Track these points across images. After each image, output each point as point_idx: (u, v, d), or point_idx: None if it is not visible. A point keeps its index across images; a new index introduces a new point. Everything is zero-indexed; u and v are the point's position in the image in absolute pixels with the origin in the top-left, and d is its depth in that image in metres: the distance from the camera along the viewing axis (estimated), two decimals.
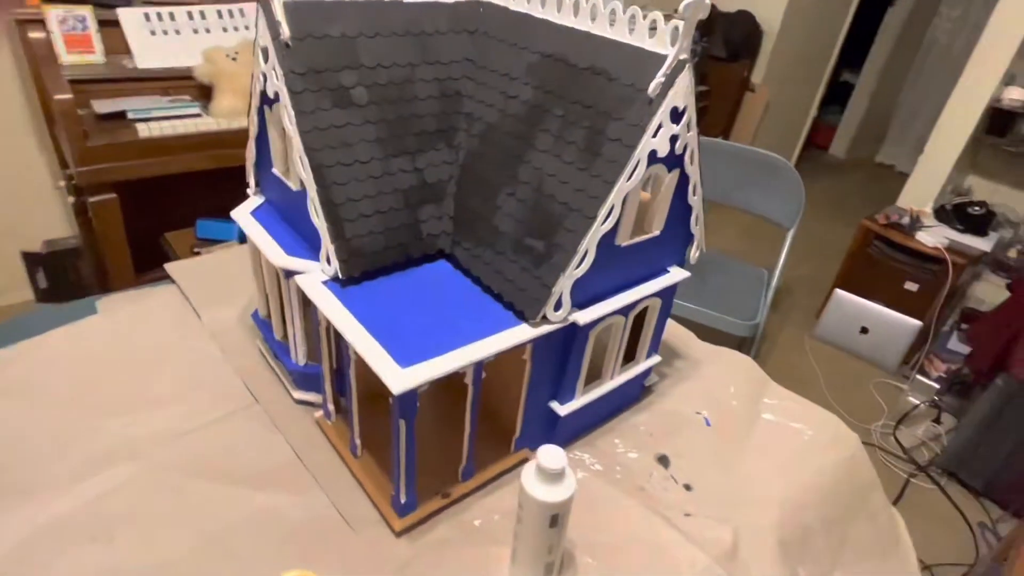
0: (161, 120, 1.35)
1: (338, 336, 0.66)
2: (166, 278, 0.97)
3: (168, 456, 0.68)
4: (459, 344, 0.57)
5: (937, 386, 2.12)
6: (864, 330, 2.29)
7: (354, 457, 0.70)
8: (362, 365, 0.61)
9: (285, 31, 0.59)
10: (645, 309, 0.74)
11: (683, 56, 0.55)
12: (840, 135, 4.41)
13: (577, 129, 0.61)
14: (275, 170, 0.71)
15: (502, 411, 0.71)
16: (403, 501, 0.62)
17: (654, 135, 0.57)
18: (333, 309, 0.60)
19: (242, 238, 1.44)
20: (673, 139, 0.59)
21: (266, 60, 0.61)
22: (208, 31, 1.50)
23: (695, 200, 0.69)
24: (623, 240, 0.64)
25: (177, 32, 1.47)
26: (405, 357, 0.55)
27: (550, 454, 0.53)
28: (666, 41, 0.56)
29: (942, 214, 2.31)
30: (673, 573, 0.62)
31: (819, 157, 4.38)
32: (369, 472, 0.68)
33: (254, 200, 0.78)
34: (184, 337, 0.85)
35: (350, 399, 0.66)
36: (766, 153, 1.78)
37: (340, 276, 0.63)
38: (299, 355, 0.74)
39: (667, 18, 0.58)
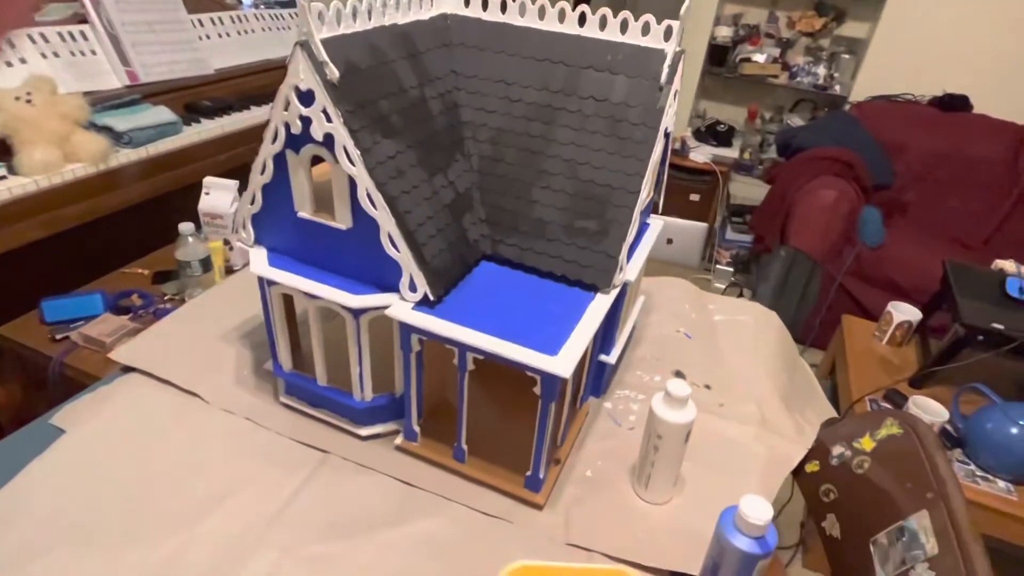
0: None
1: (420, 358, 0.68)
2: None
3: (285, 537, 0.64)
4: (572, 324, 0.65)
5: (731, 269, 2.69)
6: (669, 240, 2.77)
7: (460, 463, 0.73)
8: (480, 371, 0.65)
9: (334, 71, 0.57)
10: None
11: (678, 48, 0.69)
12: None
13: (597, 120, 0.71)
14: (302, 214, 0.68)
15: None
16: (541, 477, 0.69)
17: (666, 115, 0.70)
18: (449, 328, 0.63)
19: (113, 308, 1.23)
20: (674, 115, 0.73)
21: (307, 103, 0.59)
22: None
23: (666, 158, 0.84)
24: (643, 205, 0.76)
25: None
26: (547, 348, 0.61)
27: (678, 385, 0.66)
28: (660, 38, 0.69)
29: (700, 135, 2.87)
30: (740, 445, 0.80)
31: None
32: (483, 469, 0.73)
33: (259, 253, 0.73)
34: (194, 423, 0.76)
35: (461, 409, 0.69)
36: None
37: (431, 298, 0.65)
38: (366, 392, 0.74)
39: None
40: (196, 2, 1.65)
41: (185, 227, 1.17)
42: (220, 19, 1.70)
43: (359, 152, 0.59)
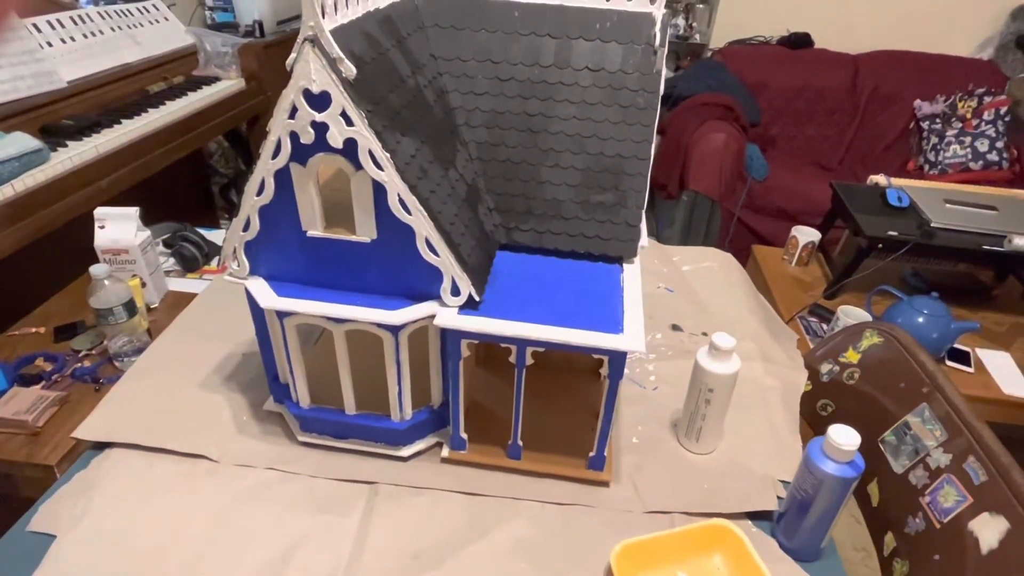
0: None
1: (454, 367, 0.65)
2: None
3: None
4: (617, 299, 0.65)
5: None
6: None
7: (516, 460, 0.71)
8: (538, 364, 0.63)
9: (350, 67, 0.51)
10: None
11: (665, 11, 0.69)
12: None
13: (595, 90, 0.70)
14: (313, 232, 0.61)
15: None
16: (604, 455, 0.69)
17: (663, 78, 0.70)
18: (506, 326, 0.60)
19: (18, 380, 1.04)
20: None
21: (321, 107, 0.52)
22: None
23: None
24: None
25: None
26: (609, 327, 0.61)
27: (723, 338, 0.68)
28: (646, 1, 0.69)
29: None
30: (754, 382, 0.85)
31: None
32: (542, 461, 0.71)
33: (259, 284, 0.64)
34: (211, 488, 0.67)
35: (517, 406, 0.67)
36: None
37: (476, 299, 0.62)
38: (406, 410, 0.69)
39: None
40: (26, 5, 1.38)
41: (99, 269, 1.00)
42: (60, 21, 1.44)
43: (387, 155, 0.54)
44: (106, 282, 1.02)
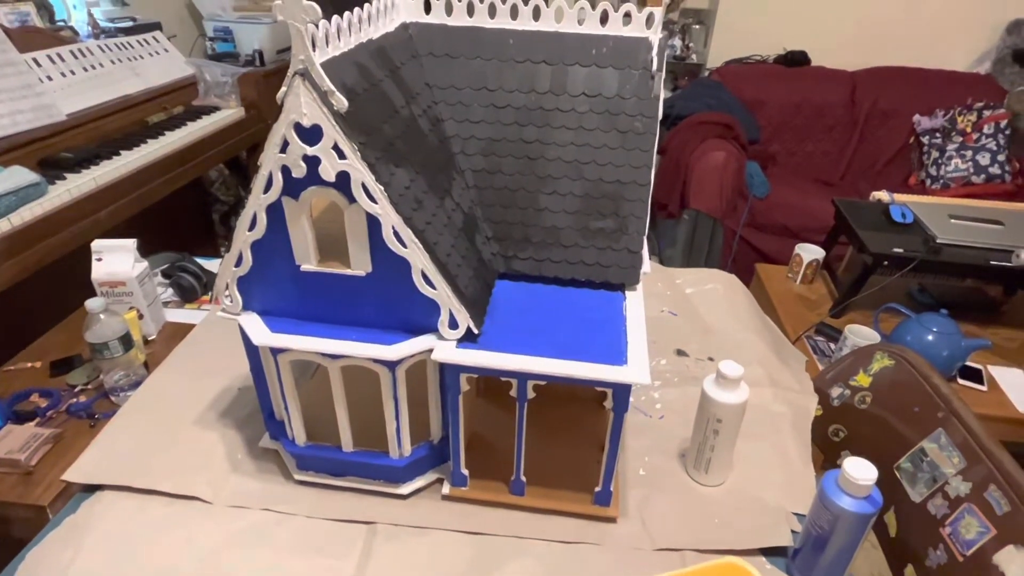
0: None
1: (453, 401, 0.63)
2: None
3: None
4: (619, 328, 0.63)
5: None
6: None
7: (519, 496, 0.69)
8: (541, 395, 0.62)
9: (341, 100, 0.50)
10: None
11: (662, 35, 0.68)
12: None
13: (593, 116, 0.69)
14: (307, 267, 0.59)
15: None
16: (610, 490, 0.67)
17: (660, 102, 0.69)
18: (506, 360, 0.58)
19: (12, 417, 1.02)
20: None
21: (313, 140, 0.51)
22: None
23: None
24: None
25: None
26: (612, 358, 0.59)
27: (731, 366, 0.66)
28: (641, 27, 0.68)
29: None
30: (763, 409, 0.83)
31: None
32: (546, 496, 0.69)
33: (252, 320, 0.63)
34: (205, 531, 0.65)
35: (519, 441, 0.65)
36: None
37: (475, 332, 0.60)
38: (404, 447, 0.67)
39: None
40: (27, 40, 1.39)
41: (95, 303, 0.99)
42: (60, 56, 1.45)
43: (381, 187, 0.53)
44: (102, 316, 1.00)
